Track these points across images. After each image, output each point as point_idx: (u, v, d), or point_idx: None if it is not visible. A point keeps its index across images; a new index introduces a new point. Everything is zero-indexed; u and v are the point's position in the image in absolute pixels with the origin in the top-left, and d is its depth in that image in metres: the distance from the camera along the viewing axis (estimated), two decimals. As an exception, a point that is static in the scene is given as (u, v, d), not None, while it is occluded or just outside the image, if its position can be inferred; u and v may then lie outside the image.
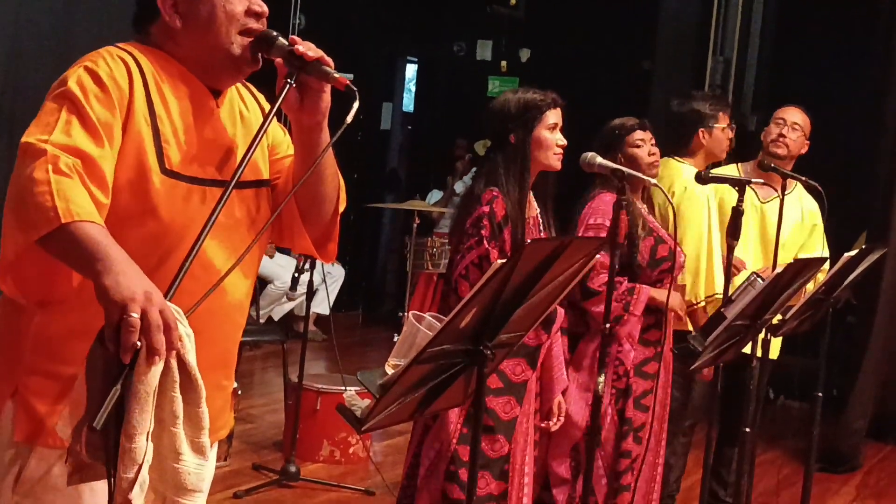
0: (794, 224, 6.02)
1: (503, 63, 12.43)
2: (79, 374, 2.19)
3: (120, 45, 2.65)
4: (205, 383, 2.28)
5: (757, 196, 5.99)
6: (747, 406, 4.90)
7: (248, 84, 2.87)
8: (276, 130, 2.88)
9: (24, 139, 2.41)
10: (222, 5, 2.63)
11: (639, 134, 5.06)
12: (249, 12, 2.66)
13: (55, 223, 2.28)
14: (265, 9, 2.69)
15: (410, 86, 14.47)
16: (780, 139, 6.01)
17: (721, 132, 5.75)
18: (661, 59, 10.51)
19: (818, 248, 6.03)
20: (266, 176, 2.80)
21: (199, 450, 2.30)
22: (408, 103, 14.47)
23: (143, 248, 2.45)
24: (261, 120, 2.79)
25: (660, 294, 4.94)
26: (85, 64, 2.54)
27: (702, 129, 5.71)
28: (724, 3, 9.95)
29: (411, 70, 14.39)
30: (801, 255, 5.98)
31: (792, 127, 6.04)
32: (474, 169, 11.51)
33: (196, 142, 2.63)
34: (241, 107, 2.79)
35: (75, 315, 2.50)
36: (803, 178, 5.57)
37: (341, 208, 2.86)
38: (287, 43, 2.60)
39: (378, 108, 13.10)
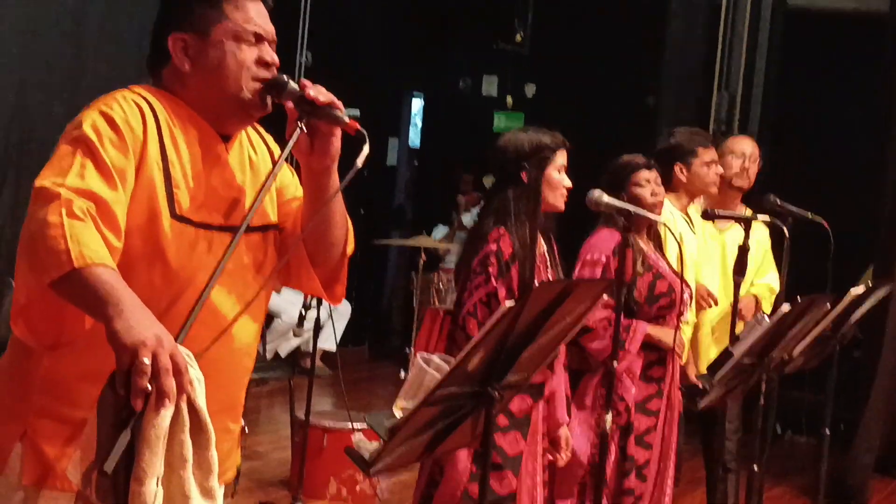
0: (757, 242, 6.03)
1: (509, 98, 12.47)
2: (89, 418, 2.20)
3: (133, 87, 2.66)
4: (213, 427, 2.28)
5: (714, 226, 6.01)
6: (754, 442, 4.89)
7: (257, 126, 2.88)
8: (284, 172, 2.88)
9: (37, 182, 2.42)
10: (233, 52, 2.65)
11: (643, 174, 5.06)
12: (260, 61, 2.67)
13: (67, 267, 2.28)
14: (276, 59, 2.70)
15: (416, 121, 14.50)
16: (744, 172, 6.02)
17: (701, 167, 5.69)
18: (666, 94, 10.52)
19: (770, 273, 6.04)
20: (274, 220, 2.81)
21: (208, 494, 2.30)
22: (414, 138, 14.49)
23: (152, 293, 2.46)
24: (269, 163, 2.81)
25: (657, 331, 4.94)
26: (100, 107, 2.55)
27: (678, 164, 5.67)
28: (729, 38, 9.97)
29: (417, 105, 14.43)
30: (757, 281, 6.01)
31: (751, 159, 6.06)
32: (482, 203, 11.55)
33: (205, 187, 2.64)
34: (250, 151, 2.80)
35: (85, 358, 2.51)
36: (760, 217, 5.49)
37: (349, 251, 2.86)
38: (298, 87, 2.61)
39: (384, 143, 13.12)
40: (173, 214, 2.56)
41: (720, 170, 5.79)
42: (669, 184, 5.63)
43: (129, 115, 2.55)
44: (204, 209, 2.63)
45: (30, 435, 2.57)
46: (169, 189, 2.56)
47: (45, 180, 2.41)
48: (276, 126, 2.87)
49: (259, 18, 2.71)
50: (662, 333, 4.93)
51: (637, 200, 4.97)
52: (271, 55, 2.70)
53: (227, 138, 2.73)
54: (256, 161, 2.80)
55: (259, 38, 2.69)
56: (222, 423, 2.66)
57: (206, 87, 2.66)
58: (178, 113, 2.65)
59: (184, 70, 2.67)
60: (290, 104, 2.61)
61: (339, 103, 2.58)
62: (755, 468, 4.93)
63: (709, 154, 5.72)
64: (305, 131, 2.59)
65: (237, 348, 2.72)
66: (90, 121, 2.52)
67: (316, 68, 11.67)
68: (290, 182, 2.88)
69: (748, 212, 5.97)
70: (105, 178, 2.45)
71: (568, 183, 4.46)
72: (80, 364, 2.53)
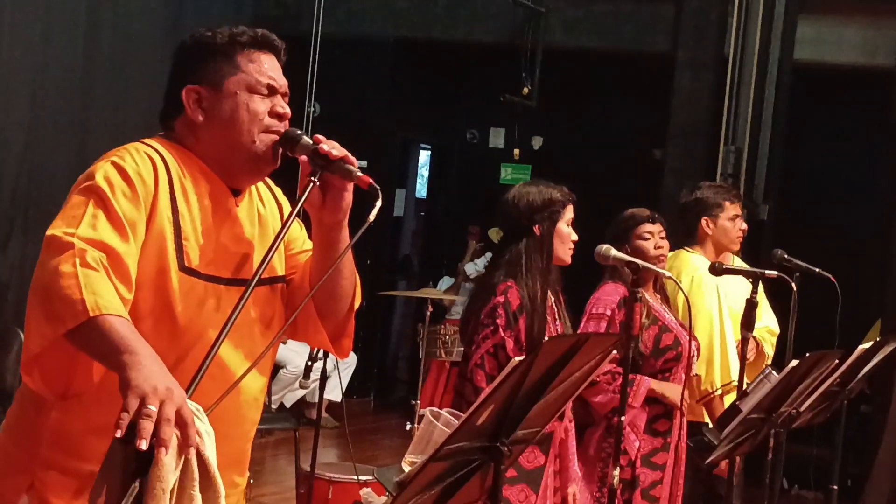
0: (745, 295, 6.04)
1: (516, 151, 12.50)
2: (98, 471, 2.20)
3: (146, 140, 2.67)
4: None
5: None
6: (762, 497, 4.87)
7: (267, 179, 2.89)
8: (293, 226, 2.88)
9: (50, 232, 2.43)
10: (245, 104, 2.66)
11: (647, 227, 5.07)
12: (273, 113, 2.69)
13: (83, 317, 2.29)
14: (288, 111, 2.72)
15: (423, 172, 14.54)
16: (740, 237, 5.98)
17: (727, 222, 5.72)
18: (673, 148, 10.56)
19: (765, 315, 6.04)
20: (280, 273, 2.81)
21: (216, 548, 2.29)
22: (420, 189, 14.53)
23: (160, 346, 2.44)
24: (277, 215, 2.82)
25: (660, 386, 4.93)
26: (112, 159, 2.56)
27: (705, 217, 5.68)
28: (736, 93, 10.01)
29: (424, 157, 14.47)
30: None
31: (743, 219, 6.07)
32: (487, 254, 11.56)
33: (215, 241, 2.65)
34: (259, 205, 2.81)
35: (94, 412, 2.51)
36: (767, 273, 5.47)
37: (357, 304, 2.86)
38: (311, 141, 2.62)
39: (391, 194, 13.15)
40: (182, 267, 2.57)
41: (744, 225, 5.81)
42: (694, 237, 5.66)
43: (141, 167, 2.56)
44: (213, 263, 2.63)
45: (37, 486, 2.57)
46: (178, 242, 2.57)
47: (56, 230, 2.43)
48: (286, 177, 2.88)
49: (272, 71, 2.73)
50: (667, 389, 4.93)
51: (640, 253, 4.97)
52: (284, 107, 2.71)
53: (237, 192, 2.74)
54: (265, 214, 2.80)
55: (272, 91, 2.71)
56: (229, 477, 2.65)
57: (219, 138, 2.67)
58: (189, 166, 2.66)
59: (197, 122, 2.68)
60: (303, 158, 2.61)
61: (353, 158, 2.59)
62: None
63: (734, 208, 5.75)
64: (319, 185, 2.59)
65: (244, 402, 2.72)
66: (102, 172, 2.53)
67: (324, 119, 11.72)
68: (298, 235, 2.89)
69: (735, 260, 5.97)
70: (117, 229, 2.46)
71: (575, 237, 4.49)
72: (88, 417, 2.53)
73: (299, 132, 2.67)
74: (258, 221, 2.77)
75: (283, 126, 2.70)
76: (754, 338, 5.97)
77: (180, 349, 2.56)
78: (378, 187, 2.53)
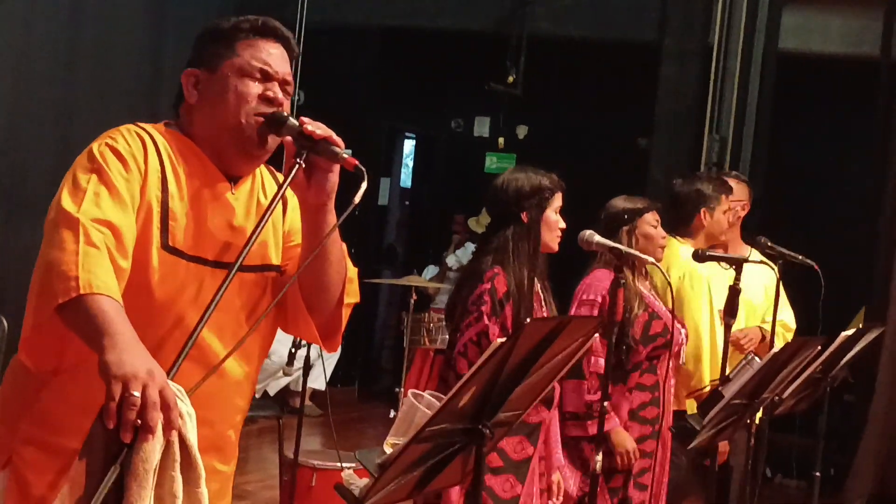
0: (761, 286, 6.04)
1: (500, 139, 12.49)
2: (78, 451, 2.20)
3: (140, 124, 2.73)
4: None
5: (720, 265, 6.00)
6: (742, 484, 4.88)
7: (274, 171, 2.91)
8: (294, 218, 2.87)
9: (54, 211, 2.48)
10: (235, 86, 2.70)
11: (653, 215, 5.10)
12: (263, 97, 2.71)
13: (73, 293, 2.32)
14: (280, 97, 2.73)
15: (408, 161, 14.54)
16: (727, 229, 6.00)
17: (722, 215, 5.75)
18: (658, 137, 10.56)
19: (784, 310, 6.03)
20: (275, 262, 2.81)
21: (197, 530, 2.29)
22: (405, 179, 14.53)
23: (139, 324, 2.41)
24: (280, 209, 2.82)
25: (618, 436, 4.87)
26: (106, 140, 2.62)
27: (704, 209, 5.71)
28: (721, 82, 10.02)
29: (409, 146, 14.47)
30: (769, 319, 5.98)
31: (742, 206, 6.08)
32: (468, 244, 11.55)
33: (204, 224, 2.66)
34: (261, 195, 2.82)
35: (80, 389, 2.52)
36: (737, 258, 5.45)
37: (350, 300, 2.85)
38: (297, 123, 2.62)
39: (376, 183, 13.14)
40: (164, 246, 2.60)
41: (732, 217, 5.84)
42: (688, 227, 5.67)
43: (132, 145, 2.62)
44: (199, 245, 2.65)
45: (15, 462, 2.58)
46: (164, 220, 2.60)
47: (63, 206, 2.47)
48: (276, 164, 2.88)
49: (270, 58, 2.75)
50: (621, 439, 4.88)
51: (650, 240, 5.00)
52: (275, 92, 2.73)
53: (235, 180, 2.75)
54: (266, 204, 2.79)
55: (266, 76, 2.73)
56: (208, 462, 2.62)
57: (209, 118, 2.72)
58: (183, 150, 2.70)
59: (191, 103, 2.74)
60: (288, 139, 2.62)
61: (339, 139, 2.59)
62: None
63: (727, 202, 5.81)
64: (304, 166, 2.58)
65: (226, 386, 2.71)
66: (99, 152, 2.58)
67: (309, 108, 11.69)
68: (298, 228, 2.87)
69: (752, 252, 5.95)
70: (119, 204, 2.51)
71: (563, 224, 4.48)
72: (74, 394, 2.55)
73: (285, 114, 2.67)
74: (257, 209, 2.78)
75: (272, 110, 2.70)
76: (760, 328, 5.98)
77: (161, 329, 2.57)
78: (364, 169, 2.52)
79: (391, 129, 13.64)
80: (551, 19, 11.21)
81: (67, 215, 2.44)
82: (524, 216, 4.40)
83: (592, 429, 4.77)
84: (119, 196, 2.52)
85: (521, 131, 12.83)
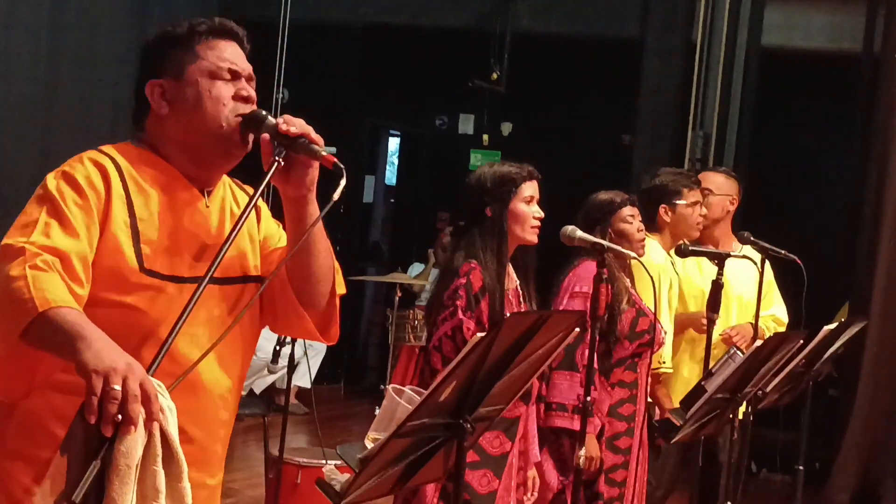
0: (753, 281, 6.01)
1: (485, 137, 12.51)
2: (59, 448, 2.19)
3: (102, 148, 2.67)
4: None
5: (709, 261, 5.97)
6: (727, 479, 4.89)
7: (242, 184, 2.89)
8: (269, 224, 2.87)
9: (4, 241, 2.45)
10: (208, 90, 2.66)
11: (629, 209, 5.04)
12: (237, 97, 2.68)
13: (33, 313, 2.30)
14: (252, 94, 2.71)
15: (393, 159, 14.54)
16: (700, 223, 5.91)
17: (686, 209, 5.64)
18: (642, 133, 10.59)
19: (775, 305, 6.02)
20: (255, 272, 2.78)
21: (180, 526, 2.29)
22: (390, 176, 14.53)
23: (131, 350, 2.36)
24: (253, 217, 2.80)
25: (589, 443, 4.84)
26: (64, 169, 2.57)
27: (663, 205, 5.62)
28: (704, 78, 10.04)
29: (394, 143, 14.47)
30: (761, 314, 5.96)
31: (722, 190, 6.01)
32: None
33: (180, 240, 2.63)
34: (233, 205, 2.79)
35: (58, 400, 2.50)
36: (733, 255, 5.43)
37: (340, 291, 2.84)
38: (274, 121, 2.61)
39: (361, 181, 13.14)
40: (142, 269, 2.56)
41: (704, 211, 5.75)
42: (653, 224, 5.60)
43: (91, 175, 2.57)
44: (177, 261, 2.62)
45: (2, 478, 2.56)
46: (137, 246, 2.56)
47: (10, 239, 2.45)
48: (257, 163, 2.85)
49: (233, 57, 2.72)
50: (594, 446, 4.88)
51: (624, 235, 4.96)
52: (247, 90, 2.70)
53: (207, 192, 2.73)
54: (238, 214, 2.77)
55: (235, 75, 2.70)
56: (196, 476, 2.51)
57: (186, 127, 2.67)
58: (150, 168, 2.66)
59: (162, 114, 2.68)
60: (265, 137, 2.60)
61: (318, 138, 2.58)
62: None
63: (694, 195, 5.68)
64: (283, 164, 2.57)
65: (210, 401, 2.67)
66: (54, 182, 2.55)
67: (293, 105, 11.69)
68: (274, 232, 2.86)
69: (743, 247, 5.91)
70: (70, 234, 2.47)
71: (539, 213, 4.42)
72: (53, 406, 2.52)
73: (264, 112, 2.66)
74: (230, 220, 2.75)
75: (249, 108, 2.68)
76: (751, 323, 5.96)
77: (152, 353, 2.50)
78: (343, 166, 2.51)
79: (375, 126, 13.63)
80: (534, 16, 11.23)
81: (13, 248, 2.41)
82: (488, 211, 4.38)
83: (576, 423, 4.76)
84: (70, 226, 2.48)
85: (506, 128, 12.84)
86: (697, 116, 10.01)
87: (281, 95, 11.64)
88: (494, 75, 11.47)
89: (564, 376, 4.79)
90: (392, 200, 14.51)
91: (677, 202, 5.61)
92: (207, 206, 2.71)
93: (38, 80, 8.20)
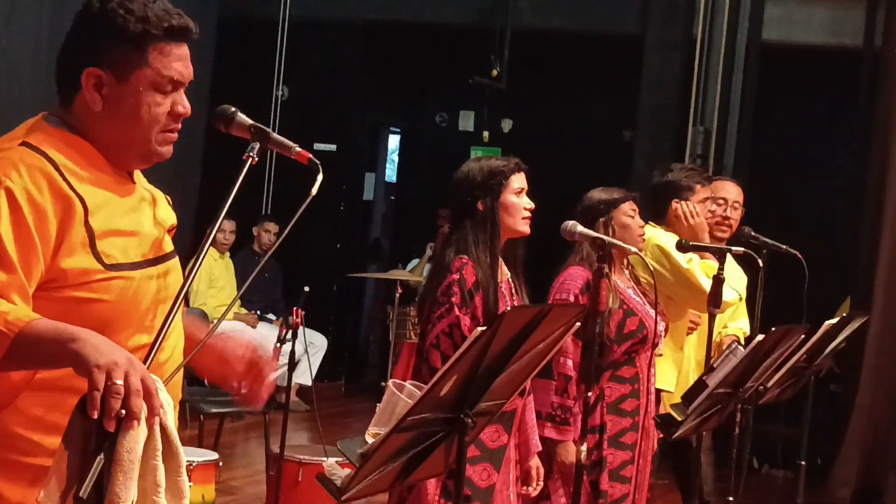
0: (738, 281, 6.00)
1: (485, 133, 12.50)
2: (60, 444, 2.19)
3: (29, 141, 2.54)
4: None
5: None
6: (730, 475, 4.88)
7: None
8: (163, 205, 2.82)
9: None
10: (148, 105, 2.58)
11: (631, 204, 5.03)
12: (173, 113, 2.61)
13: (7, 341, 2.26)
14: (188, 109, 2.63)
15: (393, 156, 14.53)
16: (725, 221, 5.92)
17: (697, 205, 5.62)
18: (642, 129, 10.59)
19: (742, 318, 6.00)
20: (169, 248, 2.75)
21: (179, 519, 2.29)
22: (391, 174, 14.52)
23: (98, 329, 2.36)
24: (160, 194, 2.77)
25: (565, 449, 4.83)
26: (6, 185, 2.43)
27: (675, 200, 5.63)
28: (704, 74, 10.04)
29: (394, 141, 14.46)
30: (731, 325, 5.94)
31: (733, 206, 5.98)
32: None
33: (129, 227, 2.58)
34: (143, 184, 2.74)
35: (37, 409, 2.46)
36: (734, 249, 5.42)
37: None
38: (246, 119, 2.60)
39: (361, 178, 13.14)
40: (104, 266, 2.50)
41: (714, 208, 5.75)
42: (664, 219, 5.59)
43: (31, 189, 2.44)
44: (128, 247, 2.56)
45: None
46: (94, 247, 2.49)
47: None
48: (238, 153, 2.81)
49: (179, 62, 2.61)
50: (569, 453, 4.85)
51: (627, 230, 4.95)
52: (185, 105, 2.62)
53: (129, 175, 2.69)
54: (149, 189, 2.75)
55: (176, 85, 2.62)
56: None
57: (115, 131, 2.59)
58: (81, 157, 2.57)
59: (94, 108, 2.58)
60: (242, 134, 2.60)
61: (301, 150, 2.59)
62: (731, 500, 4.92)
63: (705, 192, 5.68)
64: (256, 159, 2.55)
65: (173, 383, 2.67)
66: None
67: (292, 103, 11.69)
68: (167, 216, 2.80)
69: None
70: (6, 270, 2.38)
71: (529, 204, 4.40)
72: (31, 414, 2.47)
73: (233, 109, 2.62)
74: (152, 200, 2.72)
75: (178, 126, 2.63)
76: (735, 336, 5.94)
77: (118, 339, 2.45)
78: (318, 162, 2.51)
79: (376, 123, 13.62)
80: (535, 12, 11.23)
81: None
82: (480, 205, 4.37)
83: (551, 432, 4.74)
84: (7, 260, 2.37)
85: (506, 125, 12.84)
86: (698, 112, 10.01)
87: (281, 93, 11.64)
88: (495, 72, 11.47)
89: (540, 384, 4.78)
90: (392, 197, 14.51)
91: (689, 198, 5.60)
92: (135, 190, 2.67)
93: (39, 80, 8.19)
